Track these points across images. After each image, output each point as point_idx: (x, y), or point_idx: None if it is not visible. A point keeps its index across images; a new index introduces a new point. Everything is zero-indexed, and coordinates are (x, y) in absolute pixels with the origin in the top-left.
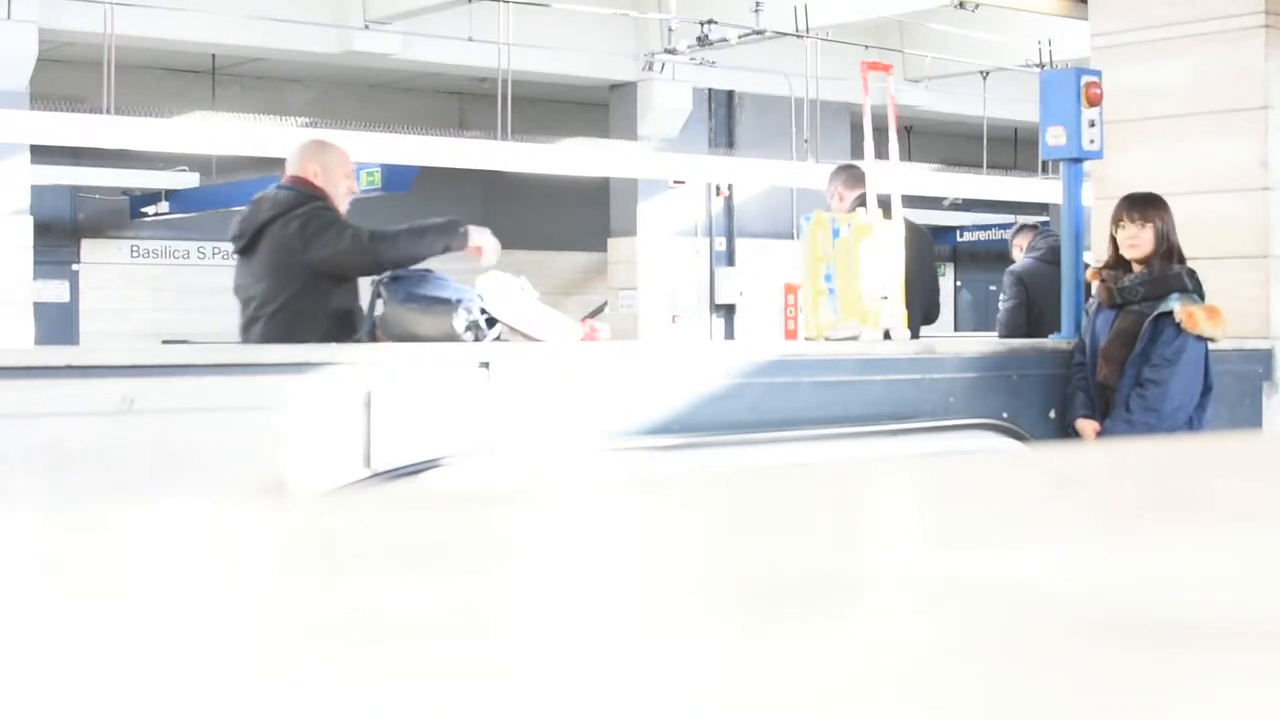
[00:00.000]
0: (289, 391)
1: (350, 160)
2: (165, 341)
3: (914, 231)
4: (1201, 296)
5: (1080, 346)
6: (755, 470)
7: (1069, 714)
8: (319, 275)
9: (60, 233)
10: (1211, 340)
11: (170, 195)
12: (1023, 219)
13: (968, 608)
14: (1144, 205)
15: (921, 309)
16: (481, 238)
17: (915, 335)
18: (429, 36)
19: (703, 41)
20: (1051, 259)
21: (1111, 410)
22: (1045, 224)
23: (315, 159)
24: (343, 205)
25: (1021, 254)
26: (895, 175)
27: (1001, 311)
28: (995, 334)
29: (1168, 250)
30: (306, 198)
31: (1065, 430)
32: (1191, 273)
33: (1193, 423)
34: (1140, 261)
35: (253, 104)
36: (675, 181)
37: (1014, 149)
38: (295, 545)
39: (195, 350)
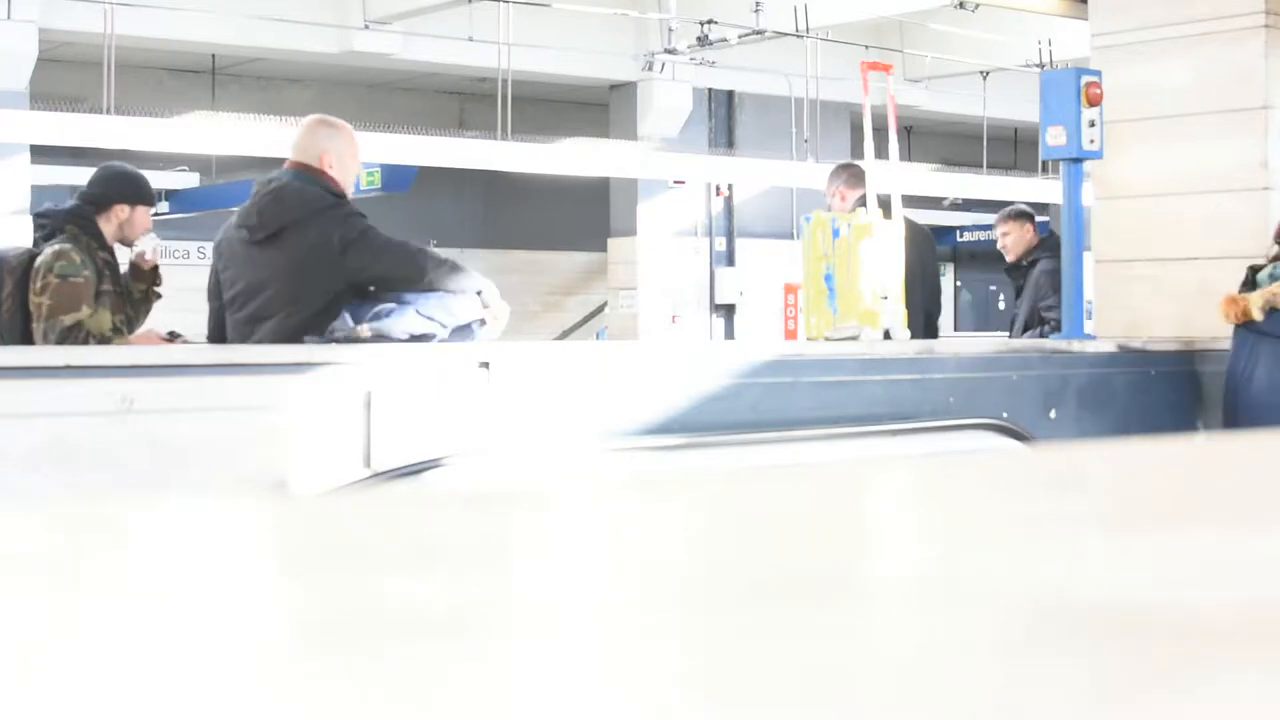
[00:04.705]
0: (289, 391)
1: (356, 138)
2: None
3: (915, 231)
4: None
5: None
6: (755, 470)
7: (1069, 714)
8: (350, 286)
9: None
10: None
11: (170, 195)
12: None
13: (968, 608)
14: None
15: (923, 309)
16: (498, 309)
17: (918, 335)
18: (429, 36)
19: (703, 41)
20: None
21: None
22: (1044, 224)
23: (329, 144)
24: (351, 190)
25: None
26: (895, 175)
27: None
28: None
29: None
30: (330, 196)
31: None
32: None
33: None
34: None
35: (253, 104)
36: (675, 181)
37: (1014, 149)
38: (295, 545)
39: (195, 350)
